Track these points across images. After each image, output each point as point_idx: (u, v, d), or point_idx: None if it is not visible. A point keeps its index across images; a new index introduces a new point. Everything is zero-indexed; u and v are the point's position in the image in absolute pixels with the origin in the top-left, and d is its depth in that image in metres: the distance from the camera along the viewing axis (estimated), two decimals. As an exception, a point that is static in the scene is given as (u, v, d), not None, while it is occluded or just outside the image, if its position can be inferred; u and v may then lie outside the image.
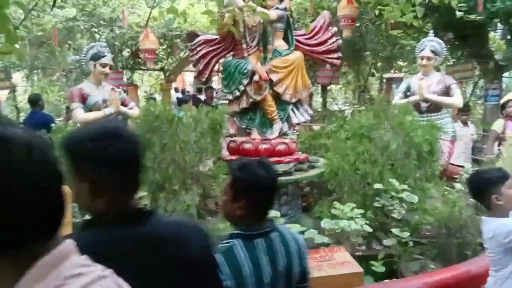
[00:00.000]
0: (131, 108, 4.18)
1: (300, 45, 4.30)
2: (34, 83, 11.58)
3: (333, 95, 13.75)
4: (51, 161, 0.70)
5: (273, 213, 2.93)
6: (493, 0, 5.82)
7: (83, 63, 4.07)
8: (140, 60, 9.94)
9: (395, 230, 2.76)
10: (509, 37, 7.34)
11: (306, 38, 4.37)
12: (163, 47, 9.76)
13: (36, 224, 0.66)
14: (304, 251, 1.57)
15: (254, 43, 4.15)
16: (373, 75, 12.20)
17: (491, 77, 7.27)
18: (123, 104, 4.11)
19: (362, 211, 2.87)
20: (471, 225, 2.72)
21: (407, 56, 10.76)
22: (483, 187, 1.92)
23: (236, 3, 3.72)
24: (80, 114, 3.81)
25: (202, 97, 13.82)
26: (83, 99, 3.86)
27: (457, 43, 7.42)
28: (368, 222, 2.79)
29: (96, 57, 3.93)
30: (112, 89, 4.03)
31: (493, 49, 7.73)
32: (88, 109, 3.87)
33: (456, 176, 3.98)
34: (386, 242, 2.84)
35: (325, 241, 2.75)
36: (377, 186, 2.99)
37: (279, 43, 4.20)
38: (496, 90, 7.17)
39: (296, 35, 4.31)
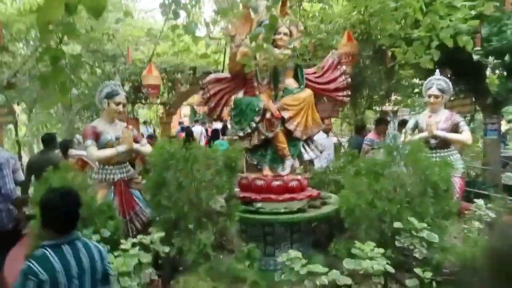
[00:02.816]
0: (143, 145, 4.19)
1: (310, 83, 4.37)
2: (32, 117, 11.54)
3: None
4: None
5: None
6: (489, 40, 6.06)
7: (96, 101, 4.09)
8: (141, 94, 10.03)
9: (417, 270, 2.74)
10: (505, 73, 7.56)
11: (316, 77, 4.45)
12: (164, 82, 9.88)
13: None
14: (105, 256, 2.26)
15: (265, 81, 4.22)
16: (369, 108, 12.42)
17: (489, 112, 7.42)
18: (135, 141, 4.11)
19: (382, 250, 2.84)
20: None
21: (403, 91, 11.11)
22: None
23: (247, 44, 3.81)
24: (94, 152, 3.80)
25: (200, 127, 14.01)
26: (96, 136, 3.87)
27: (454, 78, 7.62)
28: (389, 262, 2.75)
29: (110, 96, 3.97)
30: (126, 127, 4.04)
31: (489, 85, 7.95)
32: (101, 146, 3.86)
33: (466, 212, 3.99)
34: (409, 282, 2.80)
35: (347, 282, 2.70)
36: (397, 224, 2.98)
37: (290, 81, 4.28)
38: (495, 125, 7.31)
39: (305, 74, 4.39)
